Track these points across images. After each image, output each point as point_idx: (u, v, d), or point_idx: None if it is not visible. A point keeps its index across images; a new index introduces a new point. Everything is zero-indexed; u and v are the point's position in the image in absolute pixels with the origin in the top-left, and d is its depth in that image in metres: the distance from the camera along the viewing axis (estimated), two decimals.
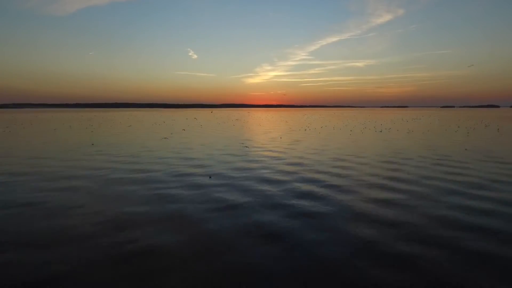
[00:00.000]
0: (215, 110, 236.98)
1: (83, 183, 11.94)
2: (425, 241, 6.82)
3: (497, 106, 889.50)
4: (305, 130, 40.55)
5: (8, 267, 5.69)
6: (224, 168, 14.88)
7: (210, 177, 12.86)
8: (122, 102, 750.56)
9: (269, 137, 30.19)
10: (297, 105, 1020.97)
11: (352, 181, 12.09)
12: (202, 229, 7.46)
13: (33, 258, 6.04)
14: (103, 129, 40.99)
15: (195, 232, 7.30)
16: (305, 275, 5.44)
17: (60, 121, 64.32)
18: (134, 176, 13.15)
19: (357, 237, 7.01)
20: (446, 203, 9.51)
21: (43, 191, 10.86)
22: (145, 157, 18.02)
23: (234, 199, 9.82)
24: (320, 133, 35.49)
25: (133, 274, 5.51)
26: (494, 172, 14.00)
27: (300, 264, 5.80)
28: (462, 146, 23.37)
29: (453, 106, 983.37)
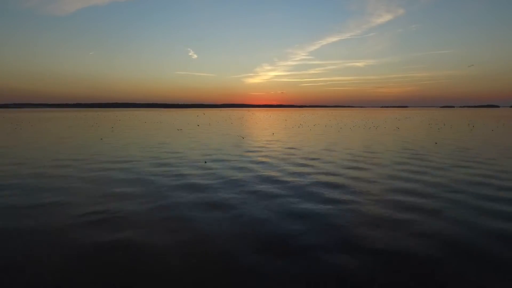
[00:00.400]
0: (215, 110, 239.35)
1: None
2: (358, 209, 9.41)
3: (497, 106, 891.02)
4: (298, 127, 43.14)
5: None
6: (220, 153, 17.50)
7: (205, 162, 15.47)
8: (122, 102, 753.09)
9: (264, 133, 32.78)
10: (297, 105, 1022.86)
11: (311, 169, 14.41)
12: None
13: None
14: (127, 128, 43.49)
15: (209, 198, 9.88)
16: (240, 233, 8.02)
17: (66, 120, 66.80)
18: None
19: (301, 208, 9.56)
20: (389, 184, 12.10)
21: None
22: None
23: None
24: (311, 130, 38.08)
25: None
26: (450, 158, 16.60)
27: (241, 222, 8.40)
28: (434, 140, 25.98)
29: (453, 106, 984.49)
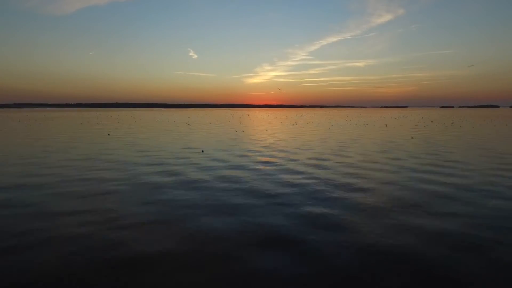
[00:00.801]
0: (216, 110, 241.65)
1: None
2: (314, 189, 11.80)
3: (497, 106, 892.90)
4: (293, 125, 45.57)
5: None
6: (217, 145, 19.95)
7: (202, 151, 17.88)
8: (122, 102, 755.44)
9: (258, 129, 35.21)
10: (297, 105, 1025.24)
11: (280, 159, 16.87)
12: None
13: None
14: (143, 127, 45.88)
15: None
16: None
17: (72, 119, 69.19)
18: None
19: (267, 189, 11.95)
20: (342, 171, 14.51)
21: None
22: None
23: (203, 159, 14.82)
24: (303, 127, 40.49)
25: None
26: (411, 150, 19.02)
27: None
28: (411, 134, 28.40)
29: (452, 106, 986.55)
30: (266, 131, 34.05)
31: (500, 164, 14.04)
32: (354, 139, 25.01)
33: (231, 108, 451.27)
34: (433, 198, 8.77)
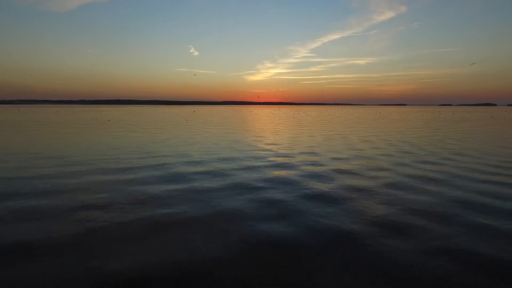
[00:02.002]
0: (217, 107, 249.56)
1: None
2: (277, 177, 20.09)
3: (494, 105, 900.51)
4: (287, 119, 53.81)
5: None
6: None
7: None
8: (124, 99, 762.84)
9: (254, 124, 43.46)
10: (297, 103, 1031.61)
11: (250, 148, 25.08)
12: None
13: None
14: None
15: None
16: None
17: (84, 114, 77.16)
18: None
19: (236, 177, 19.94)
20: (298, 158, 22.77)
21: None
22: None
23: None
24: (295, 122, 48.75)
25: None
26: (369, 140, 27.23)
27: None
28: (386, 128, 36.68)
29: (451, 104, 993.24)
30: (261, 127, 42.18)
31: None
32: (321, 132, 33.25)
33: (233, 105, 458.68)
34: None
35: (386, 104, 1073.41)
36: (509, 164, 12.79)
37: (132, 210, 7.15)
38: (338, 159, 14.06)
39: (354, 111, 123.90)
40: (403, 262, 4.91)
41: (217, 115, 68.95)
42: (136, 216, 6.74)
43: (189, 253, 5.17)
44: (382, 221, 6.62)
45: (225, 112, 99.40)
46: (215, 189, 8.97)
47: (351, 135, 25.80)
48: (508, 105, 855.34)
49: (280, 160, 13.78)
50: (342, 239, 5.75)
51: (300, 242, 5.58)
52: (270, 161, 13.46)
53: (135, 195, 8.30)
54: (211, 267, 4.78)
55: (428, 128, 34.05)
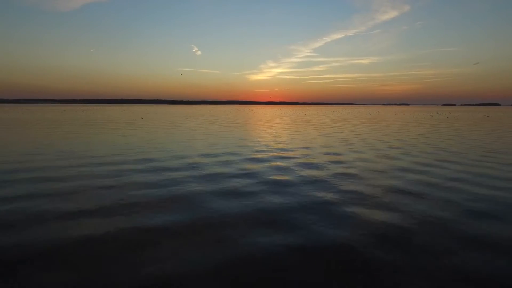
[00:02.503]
0: (220, 107, 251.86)
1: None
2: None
3: (498, 104, 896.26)
4: (284, 118, 55.78)
5: None
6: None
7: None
8: (127, 98, 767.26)
9: (252, 120, 45.50)
10: (300, 102, 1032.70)
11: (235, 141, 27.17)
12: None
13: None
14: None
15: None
16: None
17: (105, 112, 79.35)
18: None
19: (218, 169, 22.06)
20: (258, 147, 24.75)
21: None
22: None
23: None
24: (290, 120, 50.72)
25: None
26: (351, 135, 29.18)
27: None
28: (367, 127, 38.56)
29: (454, 104, 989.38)
30: (257, 122, 44.21)
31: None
32: (307, 126, 35.23)
33: (236, 105, 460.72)
34: None
35: (389, 104, 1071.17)
36: (435, 162, 13.66)
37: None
38: (285, 149, 16.08)
39: (353, 110, 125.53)
40: None
41: (238, 114, 70.99)
42: None
43: None
44: (307, 202, 8.61)
45: (240, 111, 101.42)
46: None
47: (333, 133, 27.80)
48: None
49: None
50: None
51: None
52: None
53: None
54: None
55: (408, 127, 35.86)
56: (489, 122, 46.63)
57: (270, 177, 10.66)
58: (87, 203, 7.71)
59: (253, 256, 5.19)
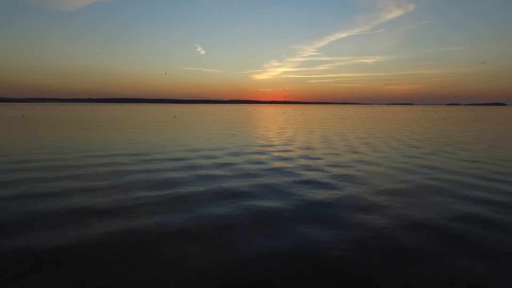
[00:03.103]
0: (224, 106, 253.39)
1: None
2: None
3: (504, 104, 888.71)
4: (282, 115, 57.43)
5: None
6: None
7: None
8: (132, 97, 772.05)
9: (251, 118, 47.23)
10: (304, 102, 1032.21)
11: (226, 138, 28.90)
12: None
13: None
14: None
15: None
16: None
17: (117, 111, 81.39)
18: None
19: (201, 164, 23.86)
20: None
21: None
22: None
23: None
24: (288, 118, 52.38)
25: None
26: (335, 132, 30.80)
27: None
28: (365, 124, 40.15)
29: (459, 104, 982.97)
30: (256, 119, 45.89)
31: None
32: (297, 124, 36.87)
33: (240, 104, 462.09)
34: None
35: (393, 104, 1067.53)
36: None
37: None
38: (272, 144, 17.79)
39: (354, 110, 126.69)
40: None
41: (260, 114, 72.71)
42: None
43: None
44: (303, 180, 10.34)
45: (257, 111, 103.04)
46: None
47: (316, 130, 29.49)
48: None
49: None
50: None
51: None
52: None
53: None
54: None
55: (393, 126, 37.35)
56: (480, 121, 47.90)
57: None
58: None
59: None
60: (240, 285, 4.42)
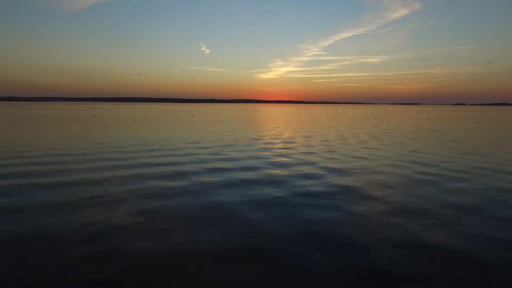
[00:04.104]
0: (229, 105, 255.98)
1: None
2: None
3: (510, 104, 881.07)
4: (283, 114, 60.31)
5: None
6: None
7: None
8: (137, 96, 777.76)
9: (251, 116, 50.21)
10: (308, 101, 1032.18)
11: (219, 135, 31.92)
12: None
13: None
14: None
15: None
16: None
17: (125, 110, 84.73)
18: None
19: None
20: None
21: None
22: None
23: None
24: (286, 117, 55.29)
25: None
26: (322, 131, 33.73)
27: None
28: (357, 123, 43.00)
29: (465, 104, 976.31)
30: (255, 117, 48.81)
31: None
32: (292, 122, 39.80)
33: (245, 103, 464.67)
34: None
35: (398, 103, 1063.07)
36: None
37: None
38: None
39: (352, 110, 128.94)
40: None
41: (283, 114, 75.63)
42: None
43: None
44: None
45: (274, 110, 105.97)
46: None
47: (298, 130, 32.40)
48: None
49: None
50: None
51: None
52: None
53: None
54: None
55: (374, 125, 40.14)
56: (470, 121, 50.40)
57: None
58: None
59: None
60: None
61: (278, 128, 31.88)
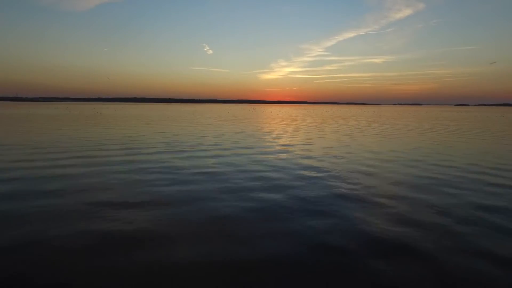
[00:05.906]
0: (230, 106, 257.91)
1: None
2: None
3: None
4: (281, 113, 63.40)
5: None
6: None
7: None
8: (140, 97, 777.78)
9: (252, 115, 53.65)
10: (311, 102, 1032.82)
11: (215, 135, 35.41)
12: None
13: None
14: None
15: None
16: None
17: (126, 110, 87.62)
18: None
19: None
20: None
21: None
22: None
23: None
24: (287, 116, 58.70)
25: None
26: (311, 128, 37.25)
27: None
28: (346, 120, 46.41)
29: (468, 104, 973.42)
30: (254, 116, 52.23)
31: None
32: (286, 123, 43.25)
33: (248, 104, 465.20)
34: None
35: (401, 104, 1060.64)
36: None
37: None
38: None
39: (352, 110, 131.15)
40: None
41: (297, 114, 78.37)
42: None
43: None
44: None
45: (283, 111, 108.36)
46: None
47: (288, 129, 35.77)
48: None
49: None
50: None
51: None
52: None
53: None
54: None
55: (360, 125, 43.47)
56: (460, 121, 53.49)
57: None
58: None
59: None
60: None
61: (275, 131, 34.96)
